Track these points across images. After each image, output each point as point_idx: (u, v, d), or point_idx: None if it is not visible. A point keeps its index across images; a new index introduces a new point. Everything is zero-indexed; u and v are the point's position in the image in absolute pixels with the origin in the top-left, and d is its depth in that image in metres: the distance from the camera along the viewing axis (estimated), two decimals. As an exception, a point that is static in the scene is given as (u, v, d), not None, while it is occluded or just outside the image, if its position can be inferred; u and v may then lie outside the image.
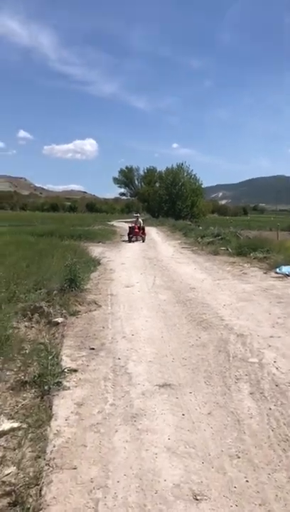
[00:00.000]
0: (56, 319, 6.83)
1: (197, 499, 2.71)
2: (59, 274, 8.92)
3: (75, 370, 4.83)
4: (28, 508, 2.65)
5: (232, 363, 5.08)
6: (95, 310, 7.73)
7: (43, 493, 2.79)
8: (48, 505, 2.69)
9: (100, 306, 8.03)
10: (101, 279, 11.03)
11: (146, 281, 10.85)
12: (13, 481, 2.91)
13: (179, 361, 5.19)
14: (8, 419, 3.74)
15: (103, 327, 6.63)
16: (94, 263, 13.18)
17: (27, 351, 5.34)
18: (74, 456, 3.17)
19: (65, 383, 4.46)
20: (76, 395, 4.22)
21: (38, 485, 2.86)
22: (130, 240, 23.63)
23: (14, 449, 3.28)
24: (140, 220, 25.93)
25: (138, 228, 24.39)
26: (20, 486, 2.84)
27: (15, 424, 3.62)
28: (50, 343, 5.57)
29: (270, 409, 3.93)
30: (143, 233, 24.60)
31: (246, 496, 2.74)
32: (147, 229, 26.83)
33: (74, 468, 3.03)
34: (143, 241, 23.71)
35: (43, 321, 6.78)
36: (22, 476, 2.95)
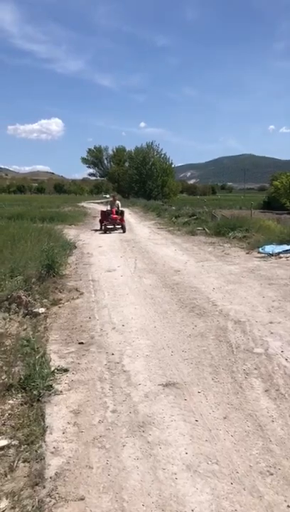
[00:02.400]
0: (37, 309, 6.27)
1: (235, 534, 2.25)
2: (35, 260, 8.30)
3: (66, 370, 4.28)
4: None
5: (236, 355, 4.64)
6: (78, 298, 7.18)
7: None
8: None
9: (82, 293, 7.49)
10: (79, 263, 10.45)
11: (128, 264, 10.31)
12: (7, 519, 2.38)
13: (179, 355, 4.71)
14: (-5, 434, 3.19)
15: (89, 317, 6.09)
16: (70, 246, 12.57)
17: (8, 348, 4.79)
18: (79, 482, 2.65)
19: (56, 386, 3.91)
20: (71, 401, 3.68)
21: (39, 524, 2.34)
22: (106, 230, 18.38)
23: (5, 475, 2.74)
24: (117, 202, 19.71)
25: (116, 213, 18.85)
26: (18, 527, 2.33)
27: (4, 442, 3.07)
28: (34, 338, 5.01)
29: (292, 409, 3.50)
30: (122, 220, 18.77)
31: (294, 527, 2.30)
32: None
33: (82, 499, 2.50)
34: (124, 231, 18.19)
35: (22, 311, 6.20)
36: (18, 512, 2.42)
